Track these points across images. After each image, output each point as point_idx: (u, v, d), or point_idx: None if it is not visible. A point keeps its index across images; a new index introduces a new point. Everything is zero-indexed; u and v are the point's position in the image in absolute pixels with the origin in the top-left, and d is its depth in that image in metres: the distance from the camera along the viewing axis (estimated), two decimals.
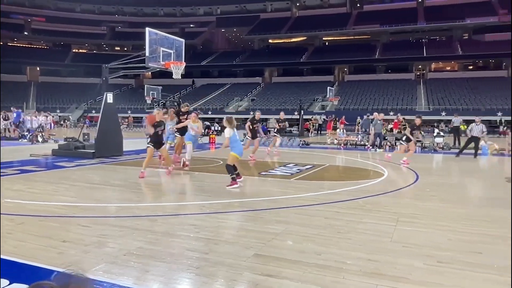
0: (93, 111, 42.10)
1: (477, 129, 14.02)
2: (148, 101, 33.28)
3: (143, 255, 3.71)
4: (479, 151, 14.24)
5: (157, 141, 8.54)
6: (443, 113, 36.70)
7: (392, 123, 21.72)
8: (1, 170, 8.58)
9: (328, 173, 10.12)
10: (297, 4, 62.12)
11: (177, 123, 10.50)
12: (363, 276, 3.28)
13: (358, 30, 55.04)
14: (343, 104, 43.03)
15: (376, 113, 17.43)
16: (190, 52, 52.56)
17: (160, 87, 33.24)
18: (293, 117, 31.42)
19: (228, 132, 7.39)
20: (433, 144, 17.28)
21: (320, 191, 7.29)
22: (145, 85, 34.89)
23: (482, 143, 15.85)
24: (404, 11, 53.83)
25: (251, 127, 12.26)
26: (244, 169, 7.61)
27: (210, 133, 22.77)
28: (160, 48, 11.32)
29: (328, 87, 33.40)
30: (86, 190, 7.02)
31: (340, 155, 14.89)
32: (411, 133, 11.73)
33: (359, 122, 22.16)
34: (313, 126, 32.06)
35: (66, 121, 42.19)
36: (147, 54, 10.96)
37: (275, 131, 14.33)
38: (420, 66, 52.00)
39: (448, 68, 52.12)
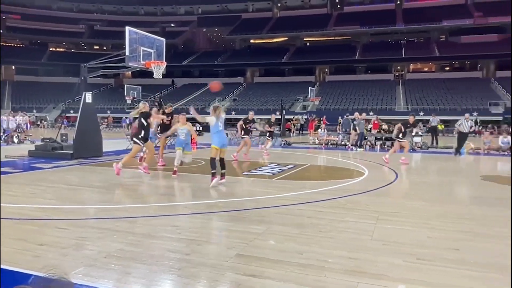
0: (71, 111, 41.27)
1: (467, 125, 14.38)
2: (128, 101, 32.83)
3: (123, 257, 3.65)
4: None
5: (146, 136, 8.31)
6: (421, 113, 37.44)
7: (372, 123, 22.06)
8: None
9: (309, 173, 10.19)
10: (278, 5, 62.37)
11: (160, 124, 10.26)
12: (344, 274, 3.31)
13: (339, 31, 55.66)
14: (324, 104, 43.44)
15: (357, 113, 17.63)
16: (171, 52, 52.09)
17: (140, 87, 32.84)
18: (275, 117, 31.45)
19: (209, 119, 7.41)
20: (412, 144, 17.61)
21: (302, 190, 7.33)
22: (125, 85, 34.41)
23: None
24: (383, 13, 54.74)
25: (244, 126, 12.31)
26: (227, 169, 7.57)
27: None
28: (140, 48, 11.18)
29: (309, 87, 33.63)
30: (64, 192, 6.86)
31: (322, 155, 15.02)
32: (405, 131, 11.85)
33: (340, 122, 22.41)
34: (294, 126, 32.25)
35: (43, 121, 41.15)
36: (127, 53, 10.81)
37: (267, 135, 14.27)
38: (399, 67, 52.97)
39: (426, 69, 53.29)
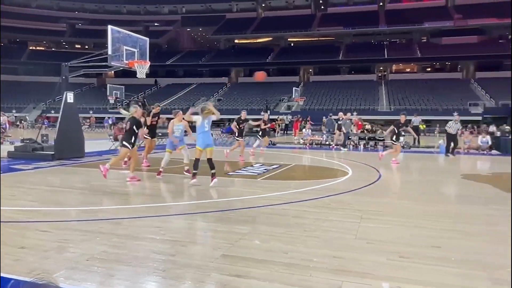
0: (52, 111, 40.44)
1: (455, 127, 14.70)
2: (111, 101, 32.40)
3: (107, 259, 3.60)
4: (437, 149, 14.88)
5: (135, 141, 8.03)
6: (404, 113, 38.01)
7: (354, 123, 22.28)
8: None
9: (294, 173, 10.24)
10: (263, 5, 62.49)
11: (147, 125, 9.97)
12: (329, 273, 3.34)
13: (323, 32, 56.11)
14: (309, 104, 43.69)
15: (342, 113, 17.79)
16: (155, 51, 51.67)
17: (123, 87, 32.45)
18: (259, 117, 31.54)
19: (196, 118, 7.42)
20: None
21: (286, 190, 7.36)
22: (108, 85, 33.93)
23: (440, 142, 16.59)
24: (366, 14, 55.45)
25: (238, 127, 12.27)
26: (209, 169, 7.54)
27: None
28: (123, 47, 11.05)
29: (294, 88, 33.76)
30: (45, 193, 6.73)
31: (306, 154, 15.10)
32: (398, 132, 11.96)
33: (324, 122, 22.59)
34: (279, 126, 32.35)
35: (22, 121, 40.23)
36: (109, 52, 10.66)
37: (260, 133, 14.24)
38: (381, 68, 53.70)
39: (408, 70, 54.14)
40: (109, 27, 10.86)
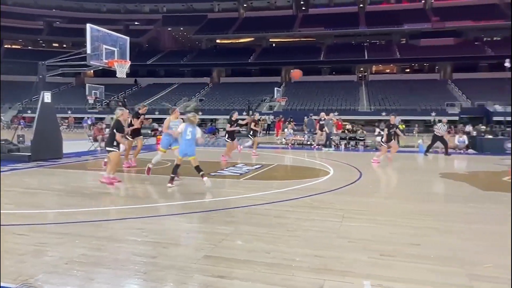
0: (29, 111, 39.46)
1: (443, 129, 15.00)
2: (91, 101, 31.83)
3: (86, 262, 3.53)
4: (416, 149, 15.18)
5: (118, 143, 7.66)
6: (383, 113, 38.65)
7: (334, 123, 22.50)
8: None
9: (276, 173, 10.27)
10: (244, 5, 62.49)
11: (131, 126, 9.69)
12: (311, 272, 3.36)
13: (304, 33, 56.50)
14: (290, 104, 43.92)
15: (323, 113, 17.94)
16: (135, 51, 51.01)
17: (103, 86, 31.90)
18: (242, 117, 31.55)
19: (180, 127, 7.31)
20: (375, 143, 18.13)
21: (269, 190, 7.38)
22: (87, 84, 33.31)
23: (419, 141, 16.92)
24: (347, 15, 56.15)
25: (229, 128, 12.20)
26: (192, 169, 7.48)
27: (157, 133, 22.21)
28: (102, 46, 10.87)
29: (275, 88, 33.85)
30: (22, 196, 6.55)
31: (288, 154, 15.17)
32: (389, 132, 12.11)
33: (305, 122, 22.73)
34: (261, 126, 32.37)
35: None
36: (88, 51, 10.47)
37: (251, 133, 14.17)
38: (362, 68, 54.44)
39: (388, 71, 55.06)
40: (88, 25, 10.67)
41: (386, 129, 12.23)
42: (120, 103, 28.84)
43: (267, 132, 32.12)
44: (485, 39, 50.74)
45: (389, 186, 8.56)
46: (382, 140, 12.31)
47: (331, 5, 60.24)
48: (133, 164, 10.04)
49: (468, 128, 27.77)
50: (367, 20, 54.78)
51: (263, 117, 34.85)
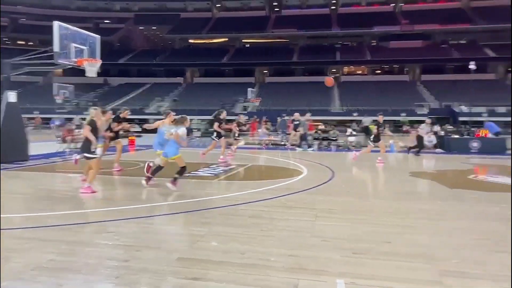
0: None
1: (426, 129, 15.38)
2: (59, 101, 30.82)
3: (55, 268, 3.41)
4: (387, 149, 15.50)
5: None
6: (355, 114, 39.37)
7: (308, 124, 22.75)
8: None
9: (251, 173, 10.28)
10: (218, 5, 62.27)
11: (111, 130, 9.28)
12: (286, 272, 3.38)
13: (277, 34, 56.85)
14: (264, 105, 44.05)
15: (297, 114, 18.08)
16: (106, 49, 49.85)
17: (72, 86, 30.97)
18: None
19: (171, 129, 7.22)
20: (347, 143, 18.45)
21: (243, 190, 7.37)
22: (54, 83, 32.24)
23: (391, 141, 17.32)
24: (319, 17, 56.89)
25: (218, 127, 11.98)
26: (168, 170, 7.38)
27: (130, 134, 21.77)
28: (71, 44, 10.56)
29: (249, 89, 33.86)
30: None
31: (263, 155, 15.21)
32: (378, 133, 12.20)
33: (278, 123, 22.86)
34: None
35: None
36: (55, 49, 10.14)
37: (236, 135, 14.05)
38: (334, 70, 55.28)
39: (359, 72, 56.17)
40: (55, 23, 10.34)
41: (376, 129, 12.29)
42: (90, 103, 28.04)
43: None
44: (451, 42, 52.56)
45: (361, 185, 8.72)
46: (371, 138, 12.38)
47: (304, 6, 60.90)
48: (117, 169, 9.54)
49: (436, 128, 28.64)
50: (339, 22, 55.72)
51: (237, 117, 34.84)
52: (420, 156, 14.85)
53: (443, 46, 51.65)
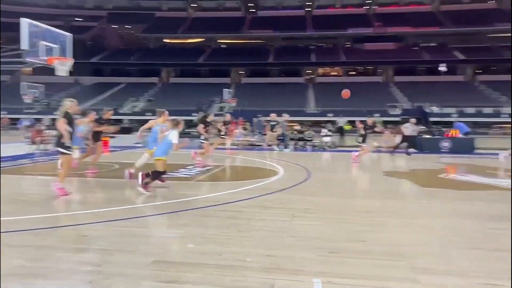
0: None
1: (410, 128, 15.68)
2: (28, 101, 29.81)
3: (24, 274, 3.29)
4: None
5: (70, 143, 6.51)
6: (330, 114, 39.90)
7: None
8: None
9: (228, 174, 10.24)
10: (193, 5, 61.81)
11: (95, 131, 9.02)
12: (263, 272, 3.38)
13: (253, 34, 56.96)
14: (241, 105, 44.04)
15: (274, 114, 18.18)
16: (78, 48, 48.60)
17: (42, 85, 30.03)
18: (190, 118, 31.25)
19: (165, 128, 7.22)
20: (322, 143, 18.65)
21: (220, 191, 7.33)
22: (23, 82, 31.16)
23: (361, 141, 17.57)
24: (295, 19, 57.38)
25: (205, 128, 11.77)
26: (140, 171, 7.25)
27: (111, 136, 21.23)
28: (41, 42, 10.23)
29: (225, 89, 33.76)
30: None
31: (239, 155, 15.19)
32: (365, 134, 12.22)
33: (255, 123, 22.93)
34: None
35: None
36: (24, 47, 9.81)
37: (221, 133, 13.92)
38: (309, 71, 55.86)
39: (334, 73, 56.95)
40: (22, 20, 9.99)
41: (363, 130, 12.41)
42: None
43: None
44: (422, 44, 54.05)
45: (336, 184, 8.83)
46: (359, 140, 12.43)
47: (279, 8, 61.26)
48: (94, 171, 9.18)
49: (415, 127, 29.30)
50: (314, 24, 56.35)
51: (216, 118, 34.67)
52: (411, 155, 15.09)
53: (414, 48, 53.06)
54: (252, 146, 18.65)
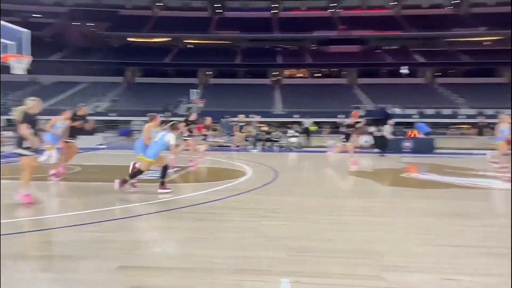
0: None
1: (389, 130, 15.98)
2: None
3: None
4: (327, 149, 16.04)
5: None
6: (296, 115, 40.37)
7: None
8: None
9: (196, 175, 10.13)
10: (157, 4, 60.79)
11: (72, 128, 8.61)
12: (231, 274, 3.36)
13: (220, 35, 56.74)
14: (208, 106, 43.74)
15: (242, 115, 18.22)
16: (37, 45, 46.61)
17: None
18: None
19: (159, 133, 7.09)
20: (289, 144, 18.83)
21: (189, 193, 7.24)
22: None
23: (329, 142, 17.92)
24: (261, 20, 57.70)
25: (187, 127, 11.47)
26: (105, 174, 7.03)
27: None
28: None
29: (192, 90, 33.39)
30: None
31: (207, 156, 15.05)
32: (347, 133, 12.18)
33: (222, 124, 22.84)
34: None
35: None
36: None
37: (202, 137, 13.63)
38: (276, 72, 56.30)
39: (301, 75, 57.69)
40: None
41: (345, 129, 12.46)
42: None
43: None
44: (384, 47, 55.78)
45: (303, 184, 8.93)
46: (343, 139, 12.43)
47: (246, 9, 61.37)
48: (62, 172, 8.66)
49: (372, 129, 30.17)
50: (281, 26, 56.89)
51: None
52: (385, 156, 15.42)
53: (377, 51, 54.68)
54: (220, 147, 18.55)
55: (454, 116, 39.63)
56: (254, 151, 16.99)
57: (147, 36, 57.35)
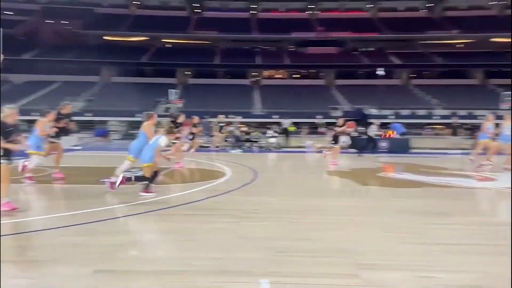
0: None
1: (374, 130, 16.19)
2: None
3: None
4: (305, 149, 16.23)
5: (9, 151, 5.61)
6: (275, 116, 40.54)
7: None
8: None
9: (174, 176, 10.01)
10: (135, 2, 59.92)
11: (58, 127, 8.38)
12: (211, 276, 3.35)
13: (199, 35, 56.39)
14: (188, 106, 43.38)
15: (222, 116, 18.18)
16: (8, 43, 45.14)
17: None
18: (136, 119, 30.25)
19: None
20: (268, 144, 18.87)
21: (167, 194, 7.16)
22: None
23: (308, 142, 18.10)
24: (240, 21, 57.67)
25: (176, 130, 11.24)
26: (81, 176, 6.87)
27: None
28: None
29: (170, 90, 33.03)
30: None
31: (187, 157, 14.93)
32: (336, 135, 12.27)
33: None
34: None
35: None
36: None
37: (191, 137, 13.42)
38: (255, 73, 56.39)
39: (279, 76, 57.96)
40: None
41: (334, 131, 12.58)
42: None
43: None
44: (361, 49, 56.67)
45: (281, 184, 8.98)
46: (332, 141, 12.48)
47: (225, 9, 61.22)
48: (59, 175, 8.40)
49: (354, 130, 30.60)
50: (259, 27, 57.01)
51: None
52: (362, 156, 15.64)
53: (354, 53, 55.51)
54: (199, 148, 18.40)
55: (428, 116, 40.67)
56: (234, 151, 16.95)
57: (124, 35, 56.41)
